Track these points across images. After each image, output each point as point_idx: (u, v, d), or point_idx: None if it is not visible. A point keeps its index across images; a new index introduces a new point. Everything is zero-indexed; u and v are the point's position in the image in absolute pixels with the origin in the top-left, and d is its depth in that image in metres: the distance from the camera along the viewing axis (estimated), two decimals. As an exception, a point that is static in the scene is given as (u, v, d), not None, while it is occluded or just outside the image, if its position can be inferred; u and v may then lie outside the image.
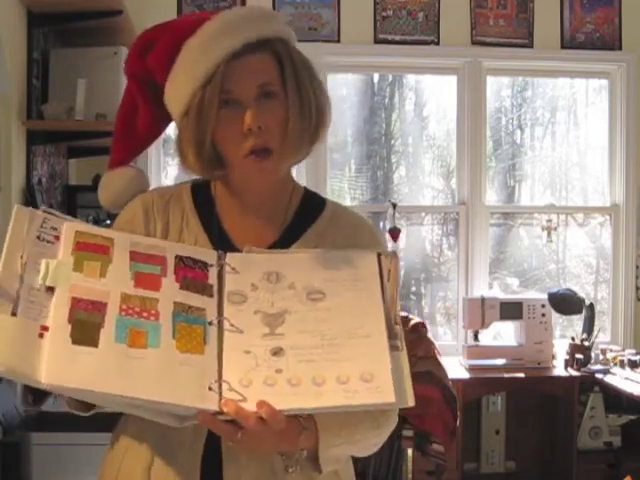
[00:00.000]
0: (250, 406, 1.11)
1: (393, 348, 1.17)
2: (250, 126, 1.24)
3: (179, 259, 1.24)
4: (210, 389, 1.12)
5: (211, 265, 1.24)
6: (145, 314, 1.16)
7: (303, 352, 1.16)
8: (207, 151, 1.28)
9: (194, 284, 1.22)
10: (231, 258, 1.26)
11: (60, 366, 1.08)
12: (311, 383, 1.13)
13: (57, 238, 1.20)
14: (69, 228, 1.22)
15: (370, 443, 1.31)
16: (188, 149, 1.29)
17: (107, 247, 1.21)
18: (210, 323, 1.18)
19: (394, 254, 1.27)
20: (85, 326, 1.12)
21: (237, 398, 1.12)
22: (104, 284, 1.17)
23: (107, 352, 1.11)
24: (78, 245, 1.20)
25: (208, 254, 1.27)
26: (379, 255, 1.27)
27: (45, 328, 1.11)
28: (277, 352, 1.16)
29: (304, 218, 1.37)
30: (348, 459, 1.37)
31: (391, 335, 1.19)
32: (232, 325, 1.18)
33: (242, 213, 1.36)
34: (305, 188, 1.43)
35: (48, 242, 1.19)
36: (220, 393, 1.12)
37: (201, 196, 1.38)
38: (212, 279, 1.23)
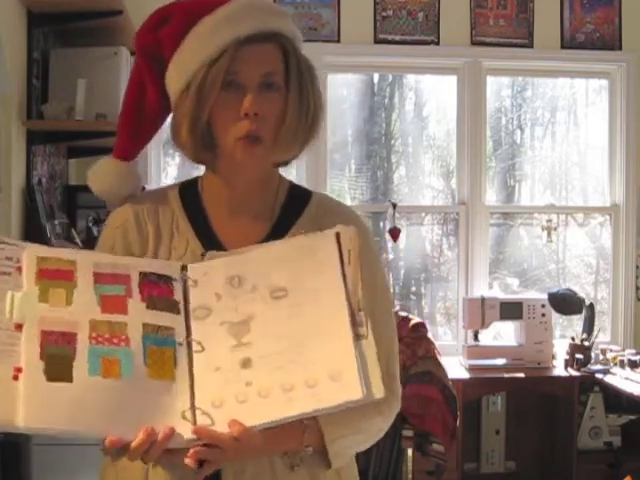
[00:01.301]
0: (224, 427, 1.11)
1: (358, 337, 1.16)
2: (247, 110, 1.25)
3: (143, 276, 1.22)
4: (184, 417, 1.12)
5: (175, 279, 1.23)
6: (115, 340, 1.14)
7: (271, 359, 1.15)
8: (201, 129, 1.28)
9: (160, 302, 1.20)
10: (192, 270, 1.25)
11: (38, 407, 1.07)
12: (280, 391, 1.12)
13: (17, 269, 1.16)
14: (30, 255, 1.18)
15: (375, 429, 1.31)
16: (182, 125, 1.29)
17: (70, 272, 1.18)
18: (180, 344, 1.18)
19: (353, 230, 1.24)
20: (58, 361, 1.10)
21: (208, 422, 1.12)
22: (71, 312, 1.15)
23: (82, 387, 1.10)
24: (41, 272, 1.17)
25: (171, 267, 1.25)
26: (338, 235, 1.24)
27: (19, 369, 1.09)
28: (246, 364, 1.15)
29: (291, 212, 1.38)
30: (351, 458, 1.37)
31: (355, 323, 1.17)
32: (199, 343, 1.18)
33: (230, 212, 1.36)
34: (290, 182, 1.43)
35: (4, 274, 1.15)
36: (194, 420, 1.12)
37: (189, 198, 1.38)
38: (178, 295, 1.22)
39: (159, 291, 1.21)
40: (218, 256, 1.27)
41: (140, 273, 1.22)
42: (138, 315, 1.18)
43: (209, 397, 1.13)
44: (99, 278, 1.19)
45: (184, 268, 1.25)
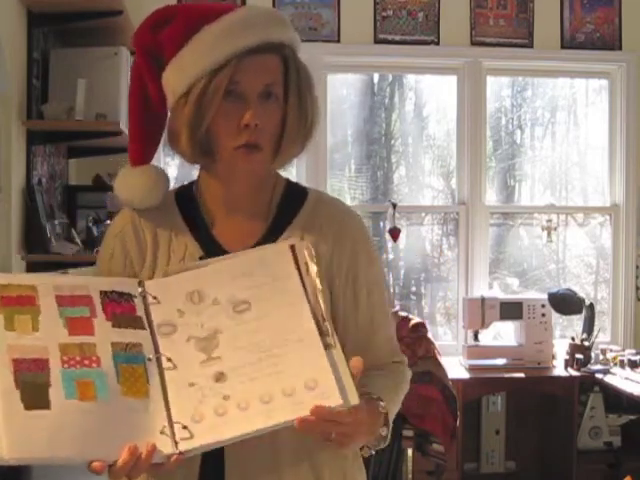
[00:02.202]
0: (205, 440, 1.12)
1: (327, 347, 1.17)
2: (248, 122, 1.25)
3: (104, 294, 1.22)
4: (162, 432, 1.12)
5: (135, 296, 1.23)
6: (87, 362, 1.14)
7: (244, 371, 1.15)
8: (200, 136, 1.29)
9: (125, 319, 1.20)
10: (150, 286, 1.25)
11: (19, 437, 1.06)
12: (259, 402, 1.13)
13: None
14: None
15: (399, 401, 1.38)
16: (182, 132, 1.29)
17: (32, 297, 1.18)
18: (149, 359, 1.18)
19: (307, 244, 1.26)
20: (33, 388, 1.10)
21: (192, 437, 1.12)
22: (39, 338, 1.14)
23: (60, 413, 1.09)
24: (4, 300, 1.16)
25: (130, 284, 1.25)
26: (292, 247, 1.25)
27: None
28: (219, 378, 1.16)
29: (288, 210, 1.38)
30: (360, 464, 1.38)
31: (322, 333, 1.18)
32: (169, 360, 1.18)
33: (227, 213, 1.37)
34: (287, 179, 1.44)
35: None
36: (173, 435, 1.12)
37: (185, 202, 1.39)
38: (140, 311, 1.22)
39: (122, 309, 1.21)
40: (173, 271, 1.27)
41: (101, 292, 1.22)
42: (105, 335, 1.18)
43: (187, 412, 1.14)
44: (62, 301, 1.19)
45: (141, 284, 1.25)
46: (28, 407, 1.08)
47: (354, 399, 1.14)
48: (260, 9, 1.33)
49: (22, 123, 3.06)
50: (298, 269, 1.24)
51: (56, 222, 3.25)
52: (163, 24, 1.31)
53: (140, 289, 1.24)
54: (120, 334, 1.18)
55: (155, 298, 1.23)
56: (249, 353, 1.17)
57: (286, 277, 1.23)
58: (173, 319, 1.21)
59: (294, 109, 1.30)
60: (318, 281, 1.23)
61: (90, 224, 3.51)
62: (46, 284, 1.21)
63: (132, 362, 1.17)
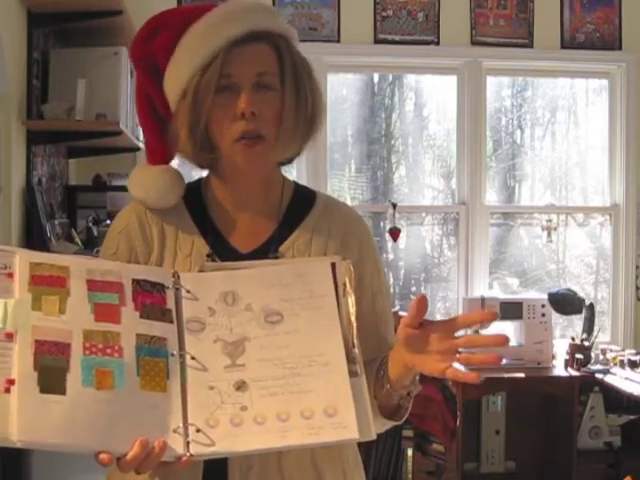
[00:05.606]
0: (217, 448, 1.11)
1: (352, 374, 1.16)
2: (243, 110, 1.25)
3: (136, 283, 1.20)
4: (175, 431, 1.11)
5: (167, 287, 1.21)
6: (109, 350, 1.13)
7: (266, 384, 1.15)
8: (200, 134, 1.28)
9: (154, 311, 1.19)
10: (185, 279, 1.23)
11: (31, 420, 1.05)
12: (276, 419, 1.12)
13: (7, 276, 1.14)
14: (23, 260, 1.16)
15: None
16: (181, 130, 1.29)
17: (63, 278, 1.16)
18: (172, 354, 1.17)
19: (348, 264, 1.23)
20: (51, 372, 1.09)
21: (205, 442, 1.11)
22: (65, 321, 1.13)
23: (75, 399, 1.08)
24: (34, 279, 1.15)
25: (164, 274, 1.24)
26: (333, 265, 1.23)
27: (11, 381, 1.07)
28: (240, 386, 1.15)
29: (297, 211, 1.38)
30: (358, 462, 1.38)
31: (349, 359, 1.17)
32: (193, 358, 1.17)
33: (236, 212, 1.36)
34: (295, 182, 1.44)
35: None
36: (186, 436, 1.11)
37: (193, 198, 1.38)
38: (170, 303, 1.20)
39: (152, 299, 1.20)
40: (210, 268, 1.26)
41: (133, 280, 1.20)
42: (131, 325, 1.16)
43: (203, 415, 1.13)
44: (92, 285, 1.17)
45: (175, 275, 1.23)
46: (43, 390, 1.07)
47: (370, 434, 1.14)
48: (242, 1, 1.32)
49: (22, 123, 3.06)
50: (336, 289, 1.22)
51: (56, 222, 3.25)
52: (153, 34, 1.32)
53: (173, 280, 1.22)
54: (147, 326, 1.17)
55: (189, 292, 1.22)
56: (274, 367, 1.16)
57: (322, 295, 1.21)
58: (203, 316, 1.20)
59: (291, 99, 1.29)
60: (353, 304, 1.21)
61: (90, 224, 3.51)
62: (79, 266, 1.19)
63: (154, 356, 1.15)
